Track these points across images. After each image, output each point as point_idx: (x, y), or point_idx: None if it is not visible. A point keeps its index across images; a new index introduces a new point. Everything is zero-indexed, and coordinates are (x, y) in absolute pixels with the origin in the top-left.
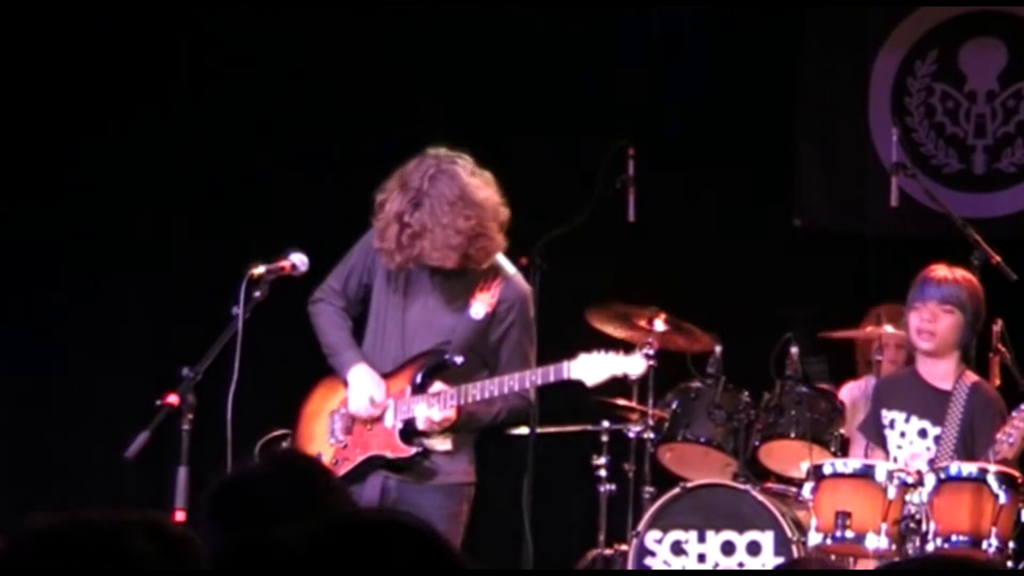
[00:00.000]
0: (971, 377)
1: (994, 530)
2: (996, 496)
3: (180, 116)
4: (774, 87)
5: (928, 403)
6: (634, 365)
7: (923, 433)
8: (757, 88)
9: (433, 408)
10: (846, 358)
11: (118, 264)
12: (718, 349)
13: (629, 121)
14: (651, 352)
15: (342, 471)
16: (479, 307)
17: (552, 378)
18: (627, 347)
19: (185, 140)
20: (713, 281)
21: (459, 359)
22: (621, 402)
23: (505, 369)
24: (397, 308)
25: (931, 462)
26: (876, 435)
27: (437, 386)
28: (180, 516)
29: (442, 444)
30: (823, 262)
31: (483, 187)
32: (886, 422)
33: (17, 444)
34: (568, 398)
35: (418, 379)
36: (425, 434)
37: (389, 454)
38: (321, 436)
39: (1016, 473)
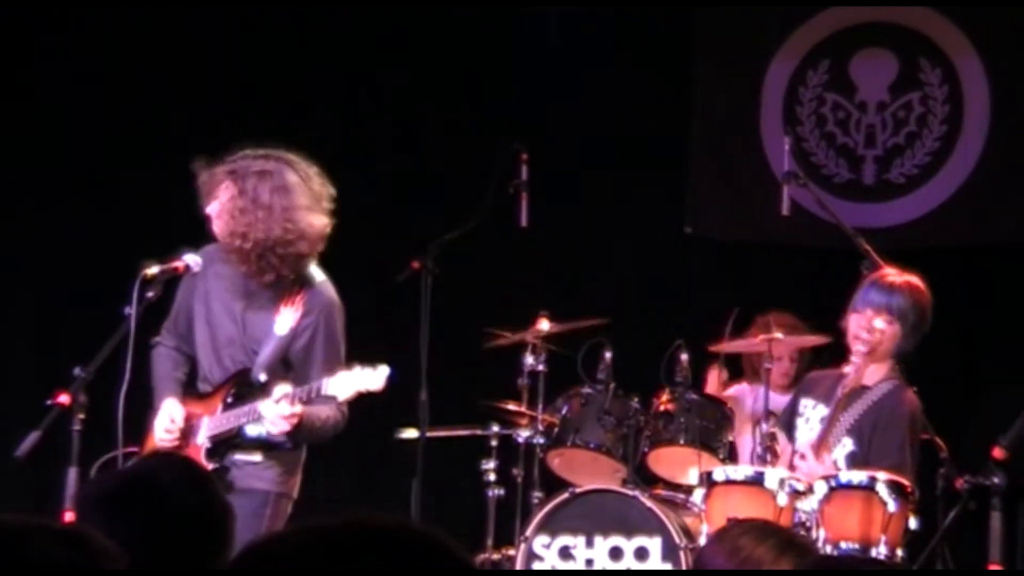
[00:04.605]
0: (897, 381)
1: (883, 538)
2: (885, 504)
3: (68, 113)
4: (669, 94)
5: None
6: (375, 380)
7: (824, 420)
8: (652, 94)
9: (281, 403)
10: (734, 366)
11: (4, 262)
12: (608, 355)
13: (523, 125)
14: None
15: None
16: (283, 322)
17: (313, 395)
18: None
19: (77, 134)
20: (604, 287)
21: (262, 377)
22: (511, 406)
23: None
24: (211, 325)
25: (815, 445)
26: (787, 425)
27: (280, 389)
28: (69, 516)
29: (251, 456)
30: (713, 268)
31: (303, 196)
32: (801, 410)
33: None
34: (457, 402)
35: (229, 399)
36: (232, 449)
37: None
38: None
39: (906, 481)
